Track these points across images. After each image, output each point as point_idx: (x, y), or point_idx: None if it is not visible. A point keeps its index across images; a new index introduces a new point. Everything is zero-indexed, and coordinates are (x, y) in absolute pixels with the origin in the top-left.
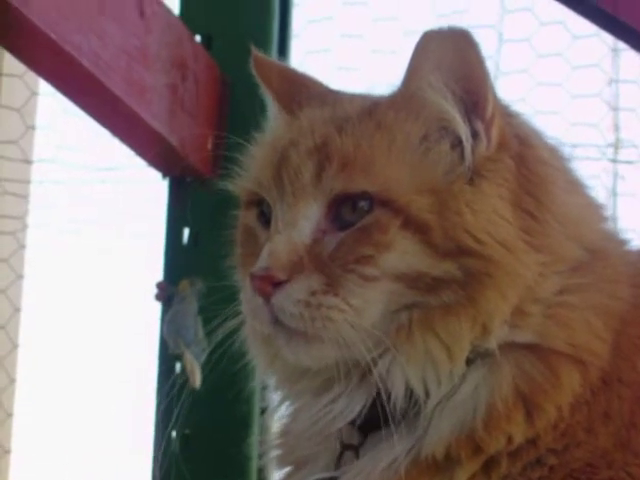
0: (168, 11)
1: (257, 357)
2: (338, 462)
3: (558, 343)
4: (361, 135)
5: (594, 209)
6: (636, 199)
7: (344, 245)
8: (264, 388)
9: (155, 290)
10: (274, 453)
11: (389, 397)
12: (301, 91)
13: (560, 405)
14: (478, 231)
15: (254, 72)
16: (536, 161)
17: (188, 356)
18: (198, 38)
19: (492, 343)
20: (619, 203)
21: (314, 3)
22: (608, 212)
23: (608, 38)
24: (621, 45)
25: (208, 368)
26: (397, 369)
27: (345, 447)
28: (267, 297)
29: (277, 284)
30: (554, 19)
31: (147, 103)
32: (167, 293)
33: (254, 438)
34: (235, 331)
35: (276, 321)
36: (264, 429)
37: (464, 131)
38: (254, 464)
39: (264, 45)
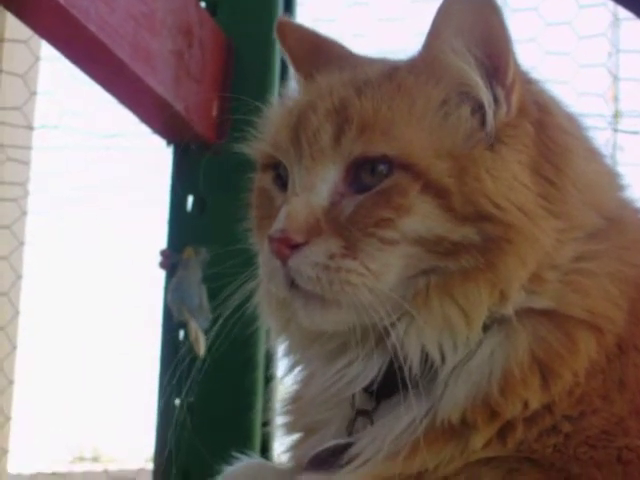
0: None
1: (270, 321)
2: (351, 428)
3: (575, 309)
4: (381, 98)
5: (611, 177)
6: (637, 168)
7: (363, 208)
8: (270, 353)
9: (159, 258)
10: (282, 420)
11: (405, 362)
12: (320, 55)
13: (576, 371)
14: (497, 197)
15: (276, 37)
16: (555, 128)
17: (192, 324)
18: (203, 4)
19: (509, 309)
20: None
21: None
22: (624, 181)
23: (614, 7)
24: (622, 14)
25: (215, 335)
26: (414, 334)
27: (358, 413)
28: (284, 259)
29: (295, 247)
30: None
31: (153, 69)
32: (171, 261)
33: (259, 406)
34: (250, 295)
35: (292, 284)
36: (271, 396)
37: (486, 96)
38: (259, 431)
39: (268, 12)
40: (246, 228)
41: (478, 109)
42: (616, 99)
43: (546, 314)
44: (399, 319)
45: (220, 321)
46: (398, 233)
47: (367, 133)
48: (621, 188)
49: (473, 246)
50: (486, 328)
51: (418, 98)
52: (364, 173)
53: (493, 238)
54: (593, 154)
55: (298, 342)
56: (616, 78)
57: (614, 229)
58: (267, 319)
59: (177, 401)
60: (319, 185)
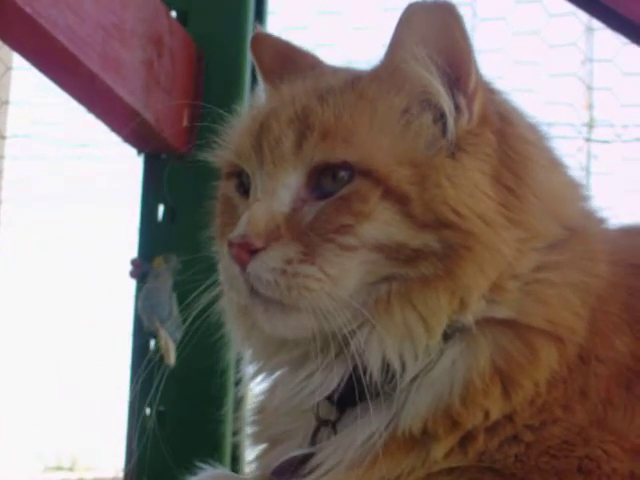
0: None
1: (234, 329)
2: (314, 438)
3: (535, 319)
4: (342, 105)
5: (573, 188)
6: (610, 177)
7: (323, 214)
8: (239, 361)
9: (130, 267)
10: (249, 430)
11: (366, 371)
12: (290, 66)
13: (537, 381)
14: (458, 204)
15: (250, 50)
16: (517, 138)
17: (162, 333)
18: (174, 13)
19: (469, 318)
20: (593, 181)
21: None
22: (587, 191)
23: (584, 17)
24: (595, 24)
25: (184, 343)
26: (374, 342)
27: (322, 422)
28: (243, 265)
29: (254, 252)
30: None
31: (123, 79)
32: (142, 270)
33: (229, 414)
34: (213, 302)
35: (252, 290)
36: (237, 402)
37: (447, 104)
38: (229, 440)
39: (240, 21)
40: (209, 236)
41: (440, 117)
42: (590, 107)
43: (507, 324)
44: (359, 327)
45: (182, 331)
46: (357, 239)
47: (328, 140)
48: (584, 199)
49: (433, 253)
50: (447, 338)
51: (380, 106)
52: (325, 179)
53: (453, 245)
54: (555, 165)
55: (261, 350)
56: (589, 87)
57: (576, 239)
58: (231, 326)
59: (148, 410)
60: (280, 191)
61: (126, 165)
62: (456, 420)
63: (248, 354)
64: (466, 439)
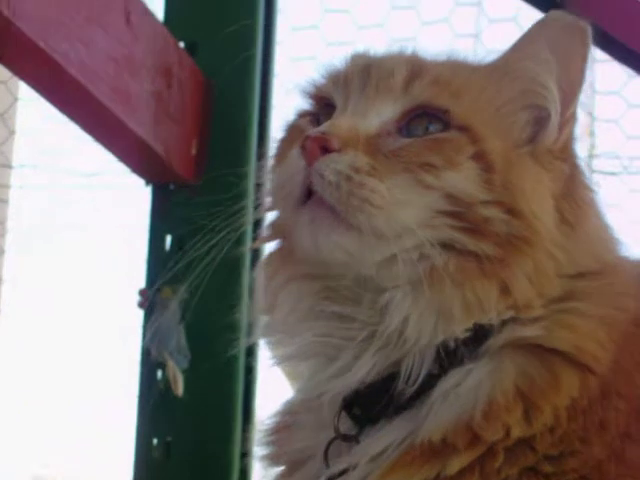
0: (153, 18)
1: (266, 282)
2: (326, 452)
3: (560, 343)
4: (457, 70)
5: (611, 234)
6: (616, 209)
7: (411, 147)
8: (249, 391)
9: (137, 297)
10: (263, 452)
11: (399, 376)
12: None
13: (557, 407)
14: (532, 202)
15: None
16: (582, 185)
17: (170, 364)
18: (182, 44)
19: (499, 316)
20: None
21: (298, 10)
22: (620, 237)
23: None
24: (601, 56)
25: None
26: (407, 301)
27: (342, 437)
28: (311, 160)
29: (327, 151)
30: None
31: (132, 110)
32: (150, 300)
33: (237, 444)
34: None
35: (305, 195)
36: (250, 428)
37: (555, 112)
38: (236, 471)
39: (248, 51)
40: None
41: (536, 123)
42: (592, 137)
43: (532, 348)
44: (399, 286)
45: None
46: (437, 181)
47: (438, 87)
48: (618, 244)
49: (497, 234)
50: (477, 358)
51: (490, 85)
52: (418, 122)
53: (517, 235)
54: (601, 214)
55: (292, 308)
56: (591, 116)
57: (608, 274)
58: (261, 280)
59: (155, 441)
60: (372, 115)
61: (134, 195)
62: (477, 433)
63: (272, 322)
64: (485, 456)
